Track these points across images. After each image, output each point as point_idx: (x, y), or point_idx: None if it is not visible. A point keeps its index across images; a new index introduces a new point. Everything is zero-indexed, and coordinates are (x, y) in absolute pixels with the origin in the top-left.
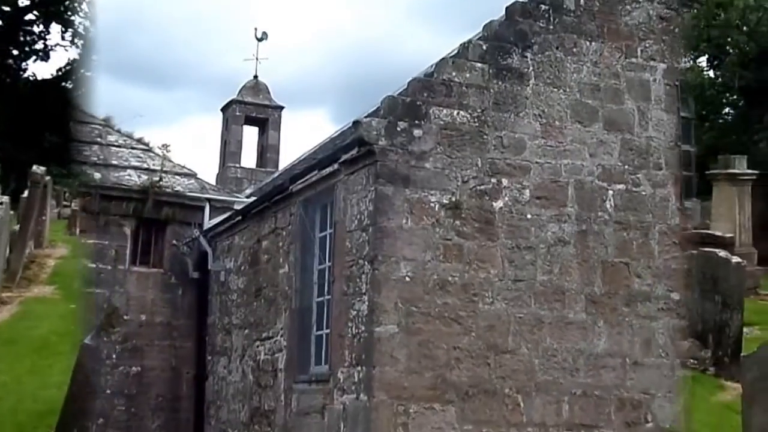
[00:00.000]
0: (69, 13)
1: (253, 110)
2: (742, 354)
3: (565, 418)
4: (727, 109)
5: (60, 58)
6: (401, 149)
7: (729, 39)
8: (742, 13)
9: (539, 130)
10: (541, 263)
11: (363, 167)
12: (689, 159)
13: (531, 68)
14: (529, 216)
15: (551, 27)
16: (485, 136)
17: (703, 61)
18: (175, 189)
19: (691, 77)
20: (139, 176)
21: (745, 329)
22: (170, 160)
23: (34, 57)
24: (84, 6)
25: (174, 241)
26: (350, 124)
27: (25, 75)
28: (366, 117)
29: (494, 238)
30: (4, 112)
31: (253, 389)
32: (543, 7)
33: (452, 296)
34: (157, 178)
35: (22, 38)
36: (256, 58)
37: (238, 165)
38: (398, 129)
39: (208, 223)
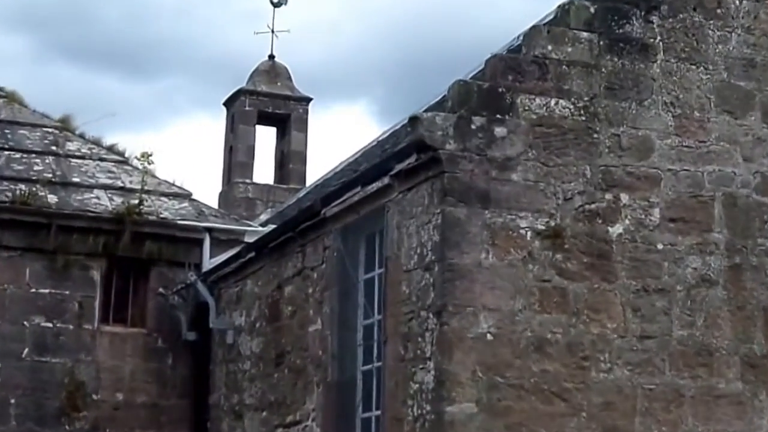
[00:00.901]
0: None
1: (269, 104)
2: None
3: None
4: None
5: None
6: (477, 155)
7: None
8: None
9: (672, 124)
10: (679, 312)
11: (424, 181)
12: None
13: (658, 38)
14: (659, 246)
15: None
16: (596, 135)
17: None
18: (162, 216)
19: None
20: (110, 199)
21: None
22: (154, 176)
23: None
24: None
25: (161, 289)
26: (405, 122)
27: None
28: (427, 111)
29: (611, 278)
30: None
31: None
32: None
33: (553, 361)
34: (137, 201)
35: None
36: (272, 31)
37: (249, 180)
38: (473, 127)
39: (208, 263)
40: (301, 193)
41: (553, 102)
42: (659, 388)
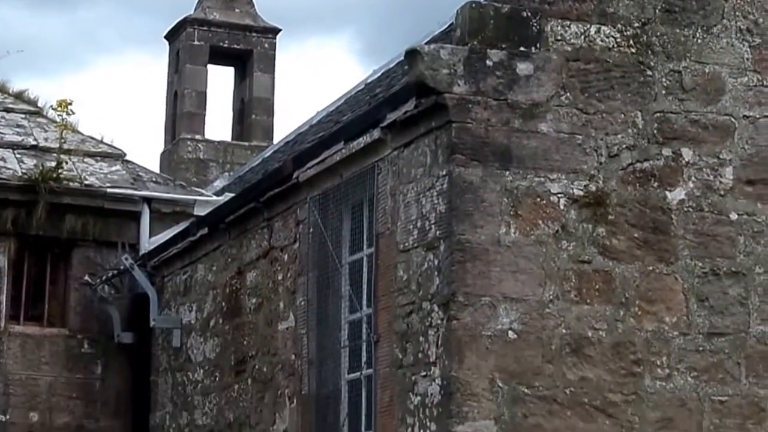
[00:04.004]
0: None
1: (224, 37)
2: None
3: None
4: None
5: None
6: (495, 100)
7: None
8: None
9: (748, 57)
10: (758, 302)
11: (426, 134)
12: None
13: None
14: (733, 216)
15: None
16: (649, 72)
17: None
18: (87, 182)
19: None
20: (20, 161)
21: None
22: (77, 131)
23: None
24: None
25: (86, 278)
26: (400, 58)
27: None
28: (429, 43)
29: (671, 258)
30: None
31: None
32: None
33: (595, 366)
34: (54, 164)
35: None
36: None
37: (200, 137)
38: (489, 63)
39: (147, 243)
40: (268, 153)
41: (593, 29)
42: (733, 399)
